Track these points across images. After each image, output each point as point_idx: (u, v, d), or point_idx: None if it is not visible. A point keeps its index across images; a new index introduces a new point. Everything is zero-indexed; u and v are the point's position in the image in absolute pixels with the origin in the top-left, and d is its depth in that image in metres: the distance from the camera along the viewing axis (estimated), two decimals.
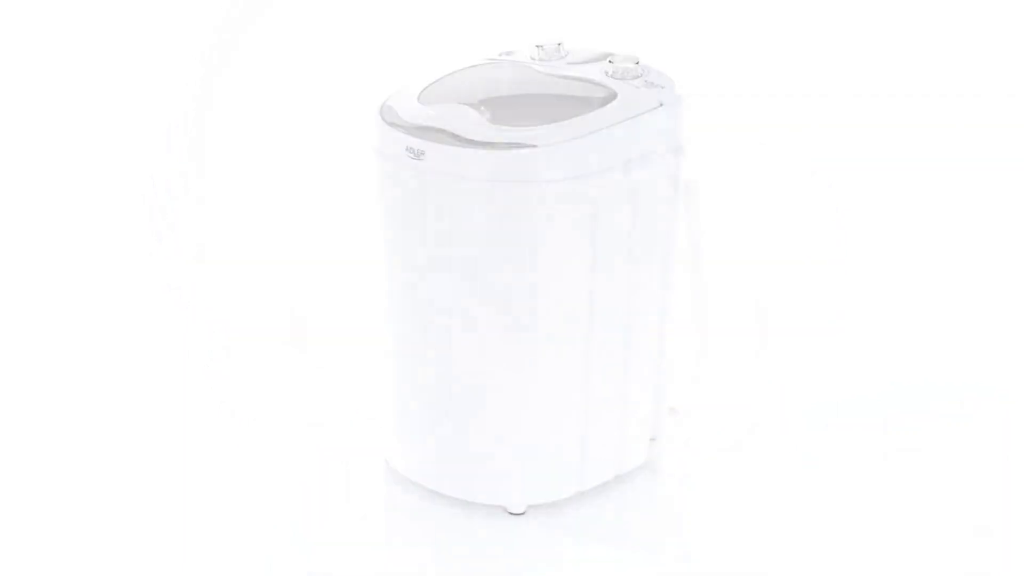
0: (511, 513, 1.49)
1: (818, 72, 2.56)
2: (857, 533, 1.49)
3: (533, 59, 1.51)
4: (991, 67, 2.54)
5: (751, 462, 1.61)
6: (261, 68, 2.59)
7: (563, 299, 1.43)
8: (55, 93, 2.52)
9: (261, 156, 2.44)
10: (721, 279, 2.03)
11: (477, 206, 1.39)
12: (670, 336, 1.53)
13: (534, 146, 1.36)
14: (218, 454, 1.63)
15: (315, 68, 2.50)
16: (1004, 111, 2.47)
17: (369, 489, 1.56)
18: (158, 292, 2.01)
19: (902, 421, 1.70)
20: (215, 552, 1.46)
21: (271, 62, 2.58)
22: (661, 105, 1.43)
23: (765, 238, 2.19)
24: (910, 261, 2.11)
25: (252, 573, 1.43)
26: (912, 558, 1.45)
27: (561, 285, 1.42)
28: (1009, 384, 1.78)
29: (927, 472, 1.59)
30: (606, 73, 1.46)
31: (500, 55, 1.53)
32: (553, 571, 1.44)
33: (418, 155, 1.39)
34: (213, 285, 2.04)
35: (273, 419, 1.69)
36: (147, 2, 2.60)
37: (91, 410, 1.71)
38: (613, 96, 1.43)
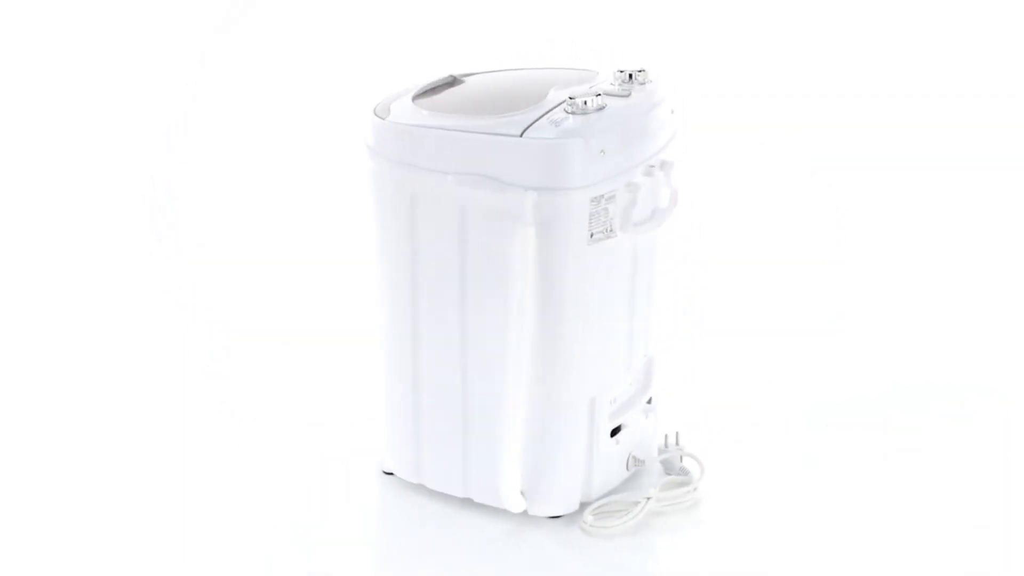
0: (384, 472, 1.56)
1: (818, 72, 2.56)
2: (857, 533, 1.48)
3: (611, 84, 1.44)
4: (991, 67, 2.54)
5: (751, 462, 1.61)
6: (263, 67, 2.59)
7: (392, 287, 1.46)
8: (55, 93, 2.52)
9: (260, 156, 2.44)
10: (721, 279, 2.04)
11: (366, 173, 1.45)
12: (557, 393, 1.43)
13: (383, 119, 1.41)
14: (218, 454, 1.63)
15: (330, 67, 2.51)
16: (1004, 111, 2.47)
17: (367, 488, 1.56)
18: (158, 292, 2.01)
19: (902, 421, 1.69)
20: (214, 552, 1.46)
21: (276, 61, 2.58)
22: (520, 136, 1.36)
23: (765, 238, 2.19)
24: (910, 261, 2.11)
25: (251, 573, 1.43)
26: (912, 558, 1.45)
27: (391, 270, 1.45)
28: (1009, 384, 1.78)
29: (927, 472, 1.59)
30: (566, 109, 1.38)
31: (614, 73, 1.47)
32: (552, 571, 1.44)
33: None
34: (213, 285, 2.04)
35: (272, 419, 1.69)
36: (147, 2, 2.60)
37: (91, 410, 1.71)
38: (513, 113, 1.39)
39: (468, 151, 1.37)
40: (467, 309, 1.42)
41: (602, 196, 1.37)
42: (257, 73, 2.56)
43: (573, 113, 1.37)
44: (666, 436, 1.58)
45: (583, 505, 1.50)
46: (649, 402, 1.55)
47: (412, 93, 1.46)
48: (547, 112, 1.38)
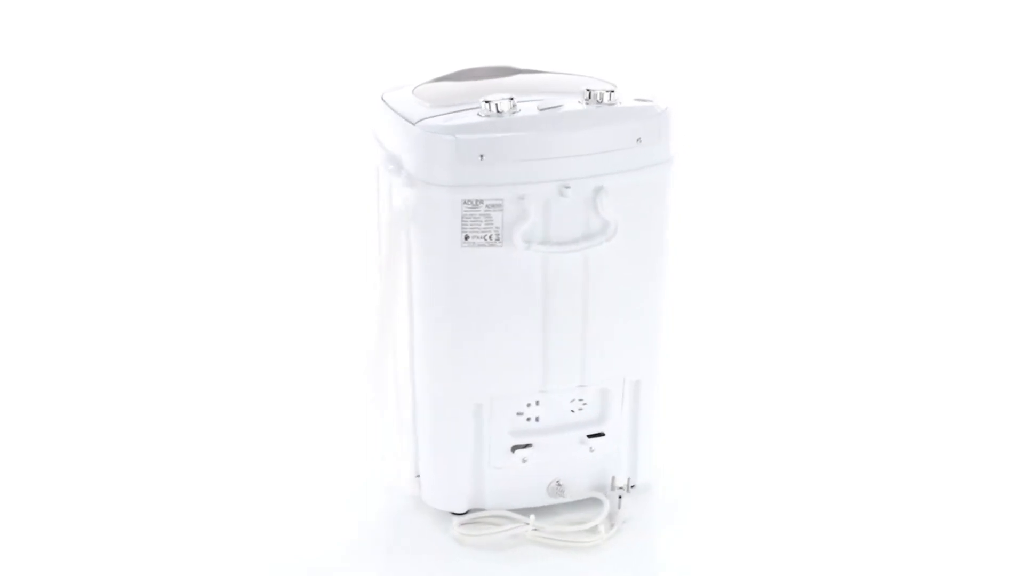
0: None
1: (818, 72, 2.57)
2: (857, 533, 1.48)
3: (579, 101, 1.41)
4: (991, 67, 2.55)
5: (749, 463, 1.61)
6: (269, 67, 2.59)
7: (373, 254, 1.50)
8: (55, 93, 2.53)
9: (260, 155, 2.44)
10: (721, 279, 2.04)
11: None
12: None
13: (380, 99, 1.45)
14: (217, 454, 1.63)
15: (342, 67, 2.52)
16: (1004, 111, 2.47)
17: (367, 489, 1.56)
18: (158, 292, 2.02)
19: (902, 421, 1.70)
20: (214, 552, 1.46)
21: (282, 61, 2.59)
22: (414, 125, 1.37)
23: (765, 238, 2.19)
24: (910, 261, 2.11)
25: (251, 573, 1.43)
26: (912, 558, 1.45)
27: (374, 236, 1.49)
28: (1009, 384, 1.78)
29: (927, 472, 1.59)
30: (478, 111, 1.39)
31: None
32: (552, 571, 1.44)
33: None
34: (213, 285, 2.04)
35: (272, 419, 1.69)
36: (147, 2, 2.60)
37: (90, 410, 1.71)
38: (449, 107, 1.40)
39: (394, 134, 1.41)
40: (394, 293, 1.46)
41: (480, 201, 1.36)
42: (264, 72, 2.57)
43: (487, 116, 1.37)
44: (613, 477, 1.50)
45: (476, 510, 1.48)
46: (598, 436, 1.48)
47: (435, 77, 1.48)
48: (467, 109, 1.38)
